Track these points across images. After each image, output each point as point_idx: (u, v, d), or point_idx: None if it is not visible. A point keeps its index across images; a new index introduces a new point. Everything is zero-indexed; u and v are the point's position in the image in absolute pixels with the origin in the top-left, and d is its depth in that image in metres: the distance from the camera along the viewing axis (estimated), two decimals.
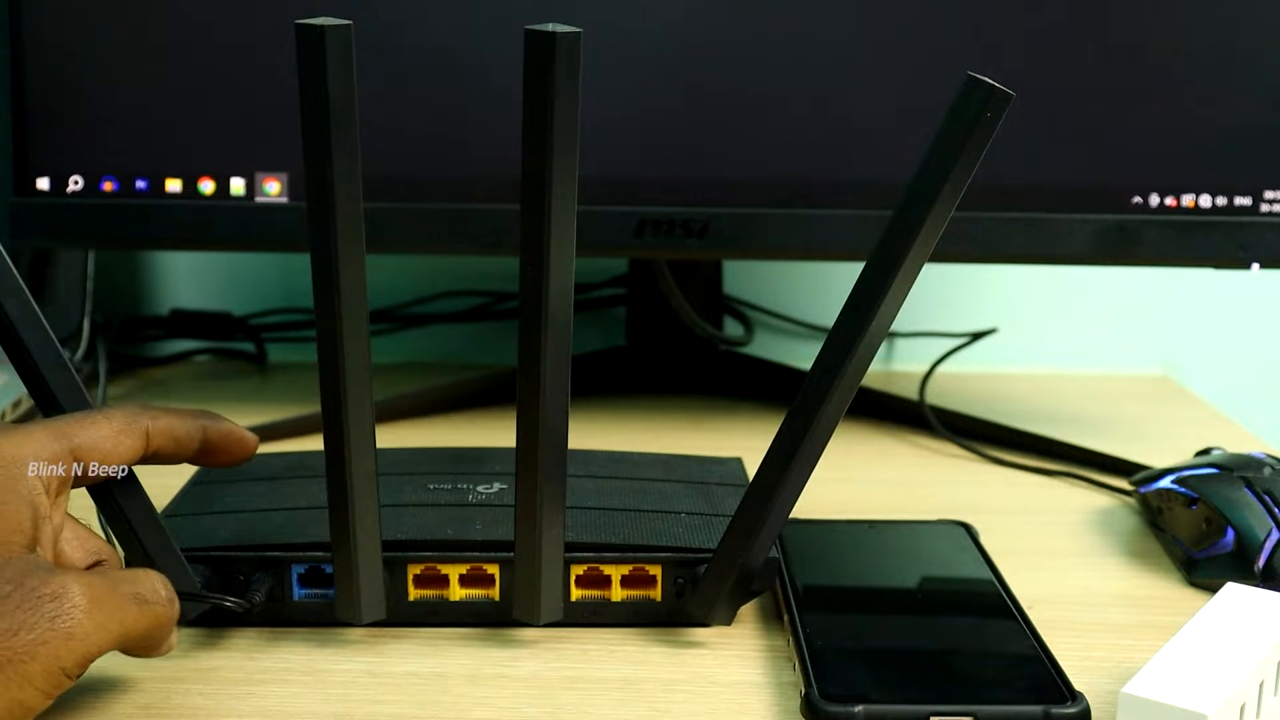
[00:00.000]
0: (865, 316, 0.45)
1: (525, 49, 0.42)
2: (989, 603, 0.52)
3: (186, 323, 0.93)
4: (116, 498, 0.46)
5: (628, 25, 0.70)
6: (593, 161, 0.69)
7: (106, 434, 0.45)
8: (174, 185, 0.72)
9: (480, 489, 0.55)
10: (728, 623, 0.52)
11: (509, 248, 0.45)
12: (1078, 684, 0.45)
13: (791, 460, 0.47)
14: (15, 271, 0.43)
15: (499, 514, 0.52)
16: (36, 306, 0.44)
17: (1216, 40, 0.70)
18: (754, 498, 0.48)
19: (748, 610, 0.53)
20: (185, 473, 0.59)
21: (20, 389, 0.45)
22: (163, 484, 0.58)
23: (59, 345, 0.44)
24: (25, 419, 0.71)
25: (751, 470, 0.50)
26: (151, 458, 0.47)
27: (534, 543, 0.48)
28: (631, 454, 0.61)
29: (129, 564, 0.48)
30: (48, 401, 0.45)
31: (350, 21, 0.41)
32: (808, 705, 0.44)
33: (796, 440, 0.47)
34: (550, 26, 0.41)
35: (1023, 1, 0.69)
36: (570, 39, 0.41)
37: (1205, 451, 0.64)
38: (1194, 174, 0.71)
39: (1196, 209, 0.71)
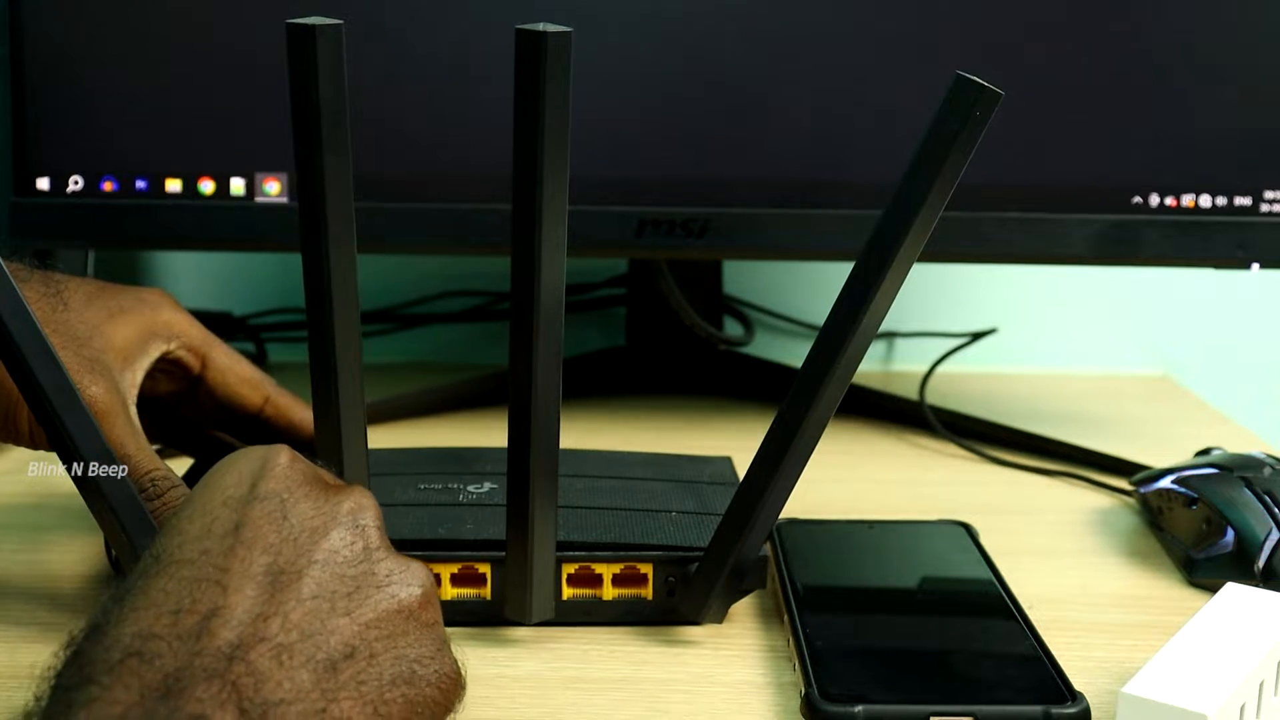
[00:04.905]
0: (855, 315, 0.45)
1: (516, 48, 0.42)
2: (989, 603, 0.52)
3: None
4: (108, 497, 0.46)
5: (628, 25, 0.70)
6: (593, 161, 0.69)
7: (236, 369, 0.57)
8: (174, 185, 0.72)
9: (471, 488, 0.55)
10: (719, 620, 0.52)
11: (507, 247, 0.45)
12: (1078, 684, 0.45)
13: (782, 459, 0.47)
14: (6, 270, 0.43)
15: (490, 513, 0.52)
16: (29, 306, 0.44)
17: (1216, 40, 0.70)
18: (745, 496, 0.48)
19: (747, 610, 0.53)
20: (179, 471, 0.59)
21: None
22: None
23: (51, 345, 0.44)
24: None
25: (743, 469, 0.50)
26: (254, 423, 0.58)
27: (526, 542, 0.48)
28: (621, 453, 0.61)
29: (120, 562, 0.48)
30: (38, 401, 0.45)
31: (341, 21, 0.41)
32: (808, 705, 0.44)
33: (787, 438, 0.46)
34: (540, 26, 0.41)
35: (1023, 1, 0.69)
36: (560, 38, 0.41)
37: (1205, 451, 0.64)
38: (1194, 174, 0.71)
39: (1196, 209, 0.71)
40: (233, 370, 0.57)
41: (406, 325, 0.94)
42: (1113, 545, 0.62)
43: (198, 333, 0.56)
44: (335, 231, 0.43)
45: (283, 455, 0.40)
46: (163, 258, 0.96)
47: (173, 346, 0.55)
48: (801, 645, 0.47)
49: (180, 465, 0.60)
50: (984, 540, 0.58)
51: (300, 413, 0.58)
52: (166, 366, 0.55)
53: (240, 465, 0.39)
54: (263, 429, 0.58)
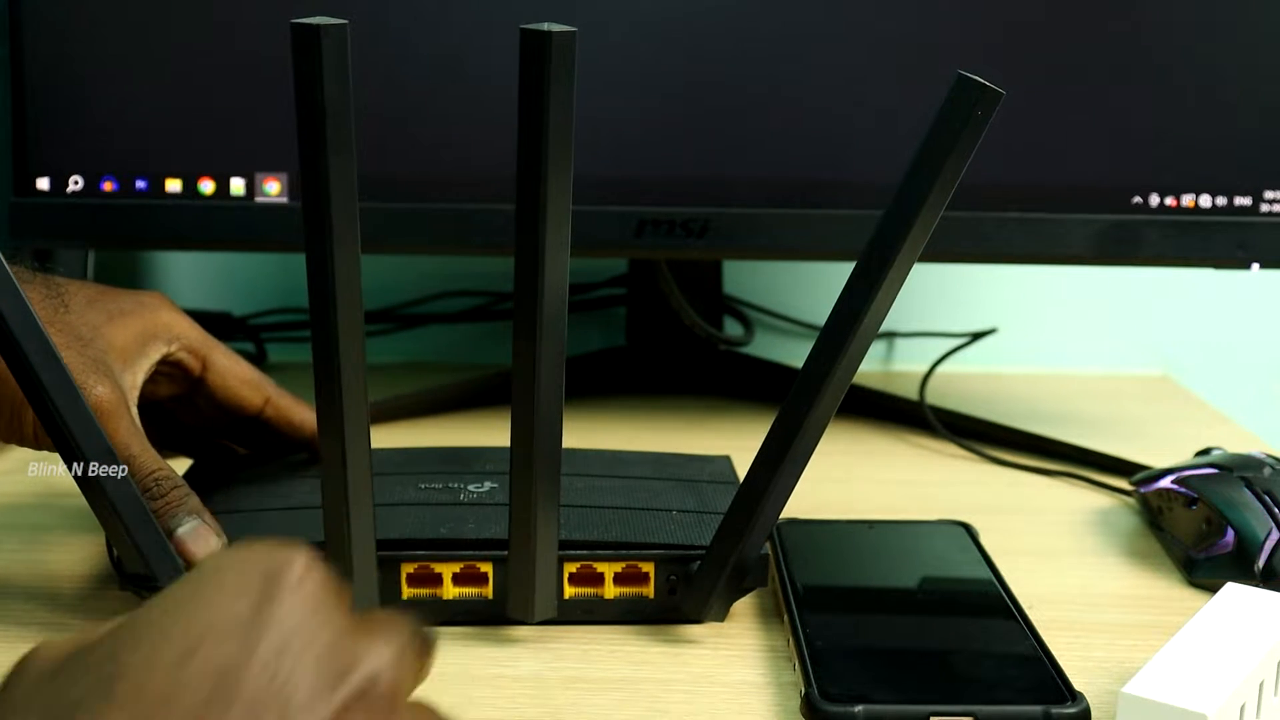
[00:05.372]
0: (856, 315, 0.45)
1: (520, 48, 0.42)
2: (989, 603, 0.52)
3: None
4: (110, 496, 0.46)
5: (628, 25, 0.70)
6: (593, 161, 0.69)
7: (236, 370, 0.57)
8: (174, 185, 0.72)
9: (472, 488, 0.55)
10: (721, 619, 0.52)
11: (508, 247, 0.45)
12: (1078, 684, 0.45)
13: (784, 457, 0.47)
14: (9, 270, 0.43)
15: (491, 513, 0.52)
16: (31, 306, 0.44)
17: (1217, 41, 0.70)
18: (747, 495, 0.48)
19: (747, 609, 0.53)
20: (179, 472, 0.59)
21: None
22: None
23: (53, 345, 0.44)
24: None
25: (743, 469, 0.50)
26: (255, 425, 0.58)
27: (528, 540, 0.48)
28: (621, 452, 0.61)
29: (122, 562, 0.48)
30: (41, 401, 0.45)
31: (346, 21, 0.41)
32: (808, 705, 0.44)
33: (789, 438, 0.47)
34: (545, 26, 0.41)
35: (1023, 1, 0.69)
36: (565, 38, 0.41)
37: (1205, 451, 0.64)
38: (1194, 174, 0.71)
39: (1196, 209, 0.71)
40: (233, 372, 0.57)
41: (406, 325, 0.94)
42: (1113, 545, 0.62)
43: (197, 335, 0.56)
44: (339, 232, 0.43)
45: (292, 571, 0.30)
46: (163, 258, 0.96)
47: (173, 348, 0.55)
48: (801, 645, 0.48)
49: (179, 466, 0.60)
50: (984, 540, 0.58)
51: (301, 414, 0.58)
52: (167, 369, 0.55)
53: (240, 577, 0.30)
54: (263, 430, 0.58)
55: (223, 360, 0.57)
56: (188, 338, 0.56)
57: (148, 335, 0.54)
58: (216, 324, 0.93)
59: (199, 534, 0.49)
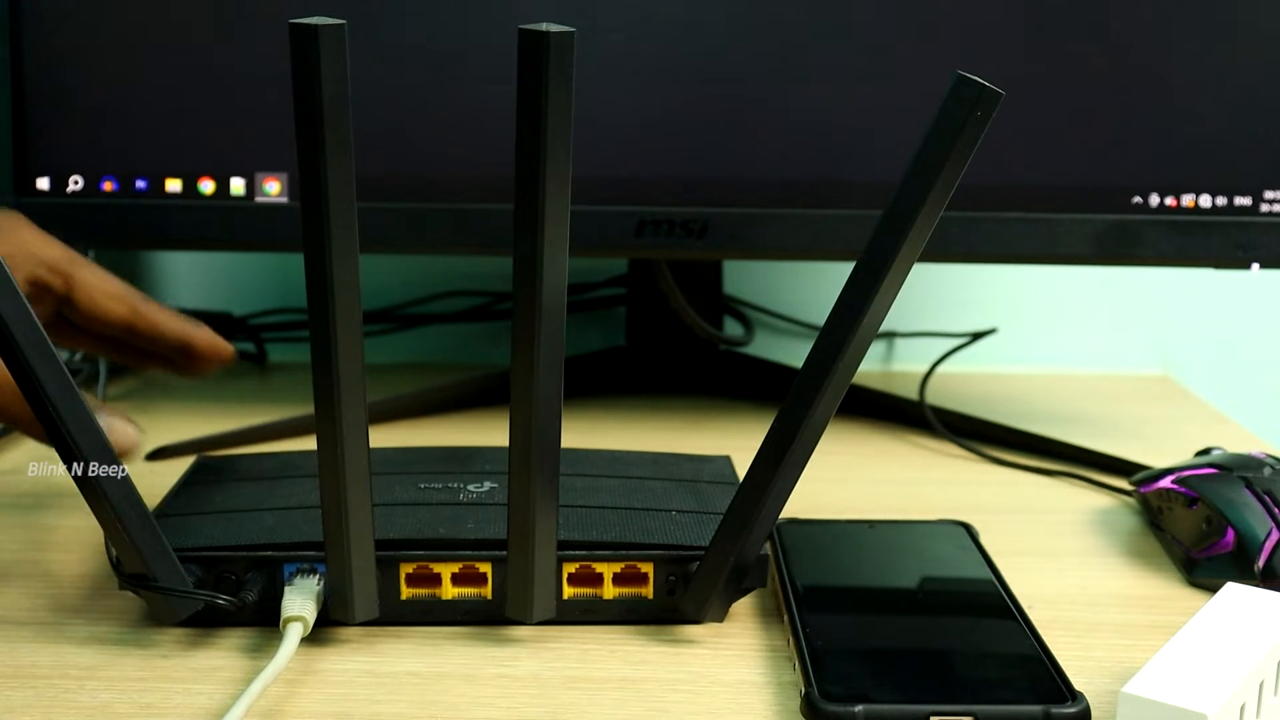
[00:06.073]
0: (856, 315, 0.45)
1: (519, 48, 0.42)
2: (989, 603, 0.52)
3: None
4: (109, 497, 0.46)
5: (627, 25, 0.70)
6: (593, 161, 0.70)
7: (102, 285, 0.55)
8: (174, 185, 0.72)
9: (471, 488, 0.55)
10: (720, 619, 0.52)
11: (508, 248, 0.45)
12: (1078, 684, 0.45)
13: (783, 457, 0.47)
14: (8, 270, 0.43)
15: (490, 513, 0.52)
16: (28, 303, 0.44)
17: (1217, 40, 0.70)
18: (746, 495, 0.48)
19: (747, 609, 0.53)
20: (179, 472, 0.59)
21: None
22: (156, 483, 0.58)
23: (50, 344, 0.44)
24: None
25: (743, 469, 0.50)
26: (129, 338, 0.56)
27: (527, 541, 0.48)
28: (620, 452, 0.61)
29: (121, 562, 0.48)
30: (39, 399, 0.45)
31: (344, 21, 0.41)
32: (808, 705, 0.44)
33: (788, 438, 0.46)
34: (544, 26, 0.41)
35: (1023, 1, 0.69)
36: (563, 38, 0.41)
37: (1205, 451, 0.64)
38: (1194, 174, 0.71)
39: (1196, 209, 0.71)
40: (100, 287, 0.56)
41: (406, 325, 0.94)
42: (1113, 545, 0.62)
43: (59, 252, 0.55)
44: (339, 232, 0.43)
45: None
46: (163, 258, 0.96)
47: (34, 268, 0.53)
48: (801, 645, 0.47)
49: (175, 466, 0.60)
50: (984, 540, 0.58)
51: (167, 321, 0.57)
52: (31, 291, 0.54)
53: None
54: (138, 345, 0.58)
55: (88, 276, 0.55)
56: (48, 256, 0.54)
57: (7, 259, 0.53)
58: (216, 324, 0.92)
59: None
